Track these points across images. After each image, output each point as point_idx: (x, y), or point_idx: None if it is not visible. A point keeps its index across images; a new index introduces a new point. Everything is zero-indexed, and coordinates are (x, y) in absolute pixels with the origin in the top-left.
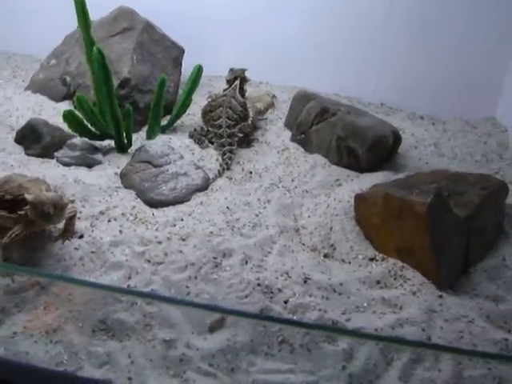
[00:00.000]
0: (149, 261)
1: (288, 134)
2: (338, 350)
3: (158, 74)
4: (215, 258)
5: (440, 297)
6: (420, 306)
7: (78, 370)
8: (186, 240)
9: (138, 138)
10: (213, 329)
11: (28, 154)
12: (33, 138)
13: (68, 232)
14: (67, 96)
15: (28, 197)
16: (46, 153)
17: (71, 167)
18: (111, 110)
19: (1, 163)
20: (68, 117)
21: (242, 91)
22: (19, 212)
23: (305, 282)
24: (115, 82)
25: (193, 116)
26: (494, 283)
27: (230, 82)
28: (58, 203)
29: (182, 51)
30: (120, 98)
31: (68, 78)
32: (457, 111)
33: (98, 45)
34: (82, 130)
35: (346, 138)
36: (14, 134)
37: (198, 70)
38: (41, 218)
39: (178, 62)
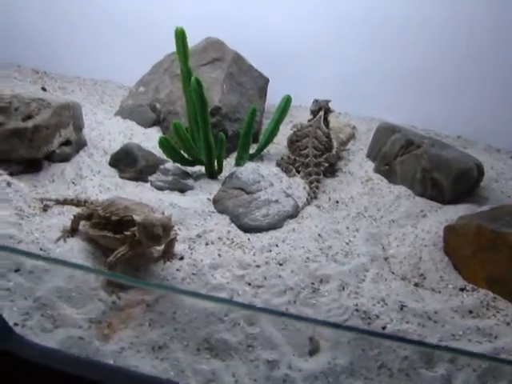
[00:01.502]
0: (249, 284)
1: (370, 164)
2: (436, 375)
3: (245, 104)
4: (313, 284)
5: None
6: None
7: None
8: (284, 265)
9: (227, 165)
10: (313, 352)
11: (122, 178)
12: (127, 162)
13: (169, 253)
14: (156, 122)
15: (137, 218)
16: (140, 176)
17: (165, 191)
18: (205, 137)
19: (98, 185)
20: (163, 142)
21: (326, 122)
22: (125, 233)
23: (401, 309)
24: None
25: (277, 145)
26: None
27: (314, 113)
28: (167, 225)
29: (267, 81)
30: (210, 125)
31: (158, 105)
32: None
33: (195, 75)
34: (174, 156)
35: (431, 169)
36: (107, 158)
37: (287, 101)
38: (149, 239)
39: (263, 92)
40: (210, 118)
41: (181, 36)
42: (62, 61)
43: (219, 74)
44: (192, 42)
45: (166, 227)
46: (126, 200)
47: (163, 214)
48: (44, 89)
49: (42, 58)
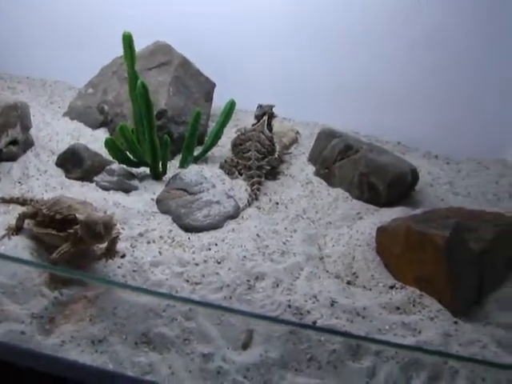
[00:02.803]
0: (187, 281)
1: (311, 168)
2: (362, 367)
3: (191, 107)
4: (248, 281)
5: (455, 323)
6: (437, 331)
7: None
8: (221, 263)
9: (171, 167)
10: (246, 345)
11: (69, 178)
12: (74, 162)
13: (111, 251)
14: (103, 124)
15: (80, 216)
16: (86, 177)
17: (110, 191)
18: (150, 139)
19: (44, 185)
20: (109, 144)
21: (270, 126)
22: (68, 230)
23: (331, 305)
24: None
25: (221, 148)
26: (505, 313)
27: (258, 118)
28: (109, 223)
29: (214, 86)
30: (156, 128)
31: (106, 107)
32: (470, 152)
33: (141, 78)
34: (120, 157)
35: (368, 174)
36: (54, 158)
37: (231, 105)
38: (92, 237)
39: (209, 96)
40: (156, 121)
41: (128, 40)
42: (11, 61)
43: (166, 77)
44: (142, 44)
45: (108, 225)
46: (70, 199)
47: (105, 212)
48: None
49: None
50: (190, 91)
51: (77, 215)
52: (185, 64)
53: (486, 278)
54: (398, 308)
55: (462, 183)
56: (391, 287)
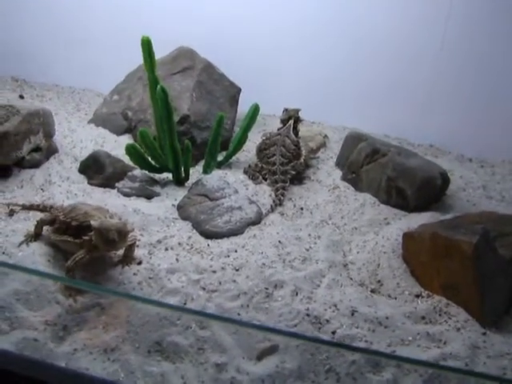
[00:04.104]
0: (204, 288)
1: (339, 173)
2: (382, 380)
3: (215, 112)
4: (267, 289)
5: (484, 334)
6: (464, 342)
7: None
8: (240, 270)
9: (195, 173)
10: (261, 357)
11: (91, 184)
12: (96, 169)
13: (127, 258)
14: (128, 130)
15: (94, 223)
16: (108, 183)
17: (131, 198)
18: (171, 144)
19: (66, 192)
20: (130, 150)
21: (296, 130)
22: (84, 237)
23: (352, 314)
24: (175, 119)
25: (247, 153)
26: None
27: (284, 122)
28: (122, 230)
29: (239, 90)
30: (179, 133)
31: (130, 113)
32: (505, 154)
33: (161, 83)
34: (142, 163)
35: (396, 178)
36: (77, 165)
37: (255, 109)
38: (105, 244)
39: (234, 101)
40: (179, 126)
41: (146, 45)
42: (41, 69)
43: (189, 82)
44: (166, 50)
45: (122, 232)
46: (86, 205)
47: (120, 219)
48: (22, 96)
49: (21, 67)
50: (213, 96)
51: (91, 222)
52: (208, 68)
53: None
54: (423, 317)
55: (497, 187)
56: (417, 296)
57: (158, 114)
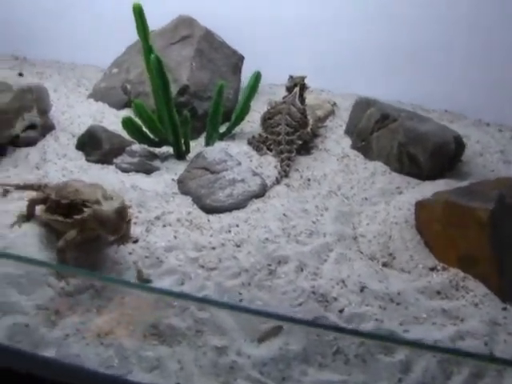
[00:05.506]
0: (202, 266)
1: (348, 141)
2: (394, 361)
3: (217, 81)
4: (269, 265)
5: (504, 309)
6: (482, 319)
7: (128, 374)
8: (241, 246)
9: (197, 145)
10: (264, 338)
11: (88, 160)
12: (92, 145)
13: (123, 236)
14: (128, 104)
15: (89, 211)
16: (106, 159)
17: (130, 173)
18: (169, 116)
19: (61, 169)
20: (127, 123)
21: (302, 98)
22: (75, 217)
23: (361, 290)
24: (175, 90)
25: (252, 123)
26: None
27: (289, 90)
28: (122, 212)
29: (242, 58)
30: (179, 105)
31: (129, 86)
32: None
33: (156, 53)
34: (140, 137)
35: (407, 144)
36: (75, 141)
37: (256, 77)
38: (110, 232)
39: (237, 69)
40: (179, 97)
41: (138, 12)
42: (41, 46)
43: (188, 51)
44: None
45: (121, 214)
46: (79, 182)
47: (113, 198)
48: (21, 74)
49: (21, 44)
50: (215, 65)
51: (85, 210)
52: (208, 36)
53: None
54: (439, 292)
55: None
56: (432, 269)
57: (155, 86)
